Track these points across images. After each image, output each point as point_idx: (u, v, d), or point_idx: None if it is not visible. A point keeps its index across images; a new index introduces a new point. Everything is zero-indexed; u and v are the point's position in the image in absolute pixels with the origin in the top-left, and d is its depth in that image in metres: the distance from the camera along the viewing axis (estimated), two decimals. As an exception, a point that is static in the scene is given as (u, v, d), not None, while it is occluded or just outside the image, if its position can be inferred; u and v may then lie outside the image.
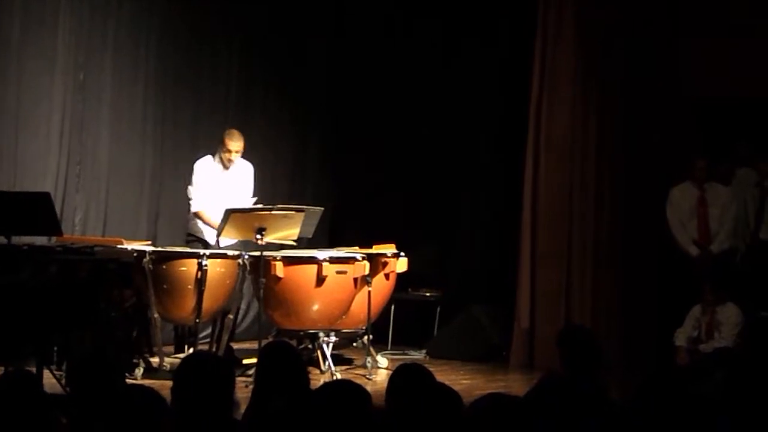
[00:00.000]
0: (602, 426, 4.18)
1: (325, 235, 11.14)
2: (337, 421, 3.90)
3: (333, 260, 9.12)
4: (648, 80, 10.34)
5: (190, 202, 9.41)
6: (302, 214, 8.96)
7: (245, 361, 8.83)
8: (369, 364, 9.29)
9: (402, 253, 9.66)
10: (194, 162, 9.57)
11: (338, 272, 9.10)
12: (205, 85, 11.18)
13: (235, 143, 9.35)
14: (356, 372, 9.42)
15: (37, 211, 8.07)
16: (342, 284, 9.14)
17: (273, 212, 8.83)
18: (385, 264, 9.55)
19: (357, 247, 9.67)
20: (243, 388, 7.00)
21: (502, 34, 11.35)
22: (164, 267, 8.76)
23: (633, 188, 10.32)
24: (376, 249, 9.65)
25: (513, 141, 10.89)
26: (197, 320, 8.87)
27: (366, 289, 9.30)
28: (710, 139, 10.47)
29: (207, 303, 8.76)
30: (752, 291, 9.75)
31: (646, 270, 10.27)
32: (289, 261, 9.07)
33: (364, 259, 9.30)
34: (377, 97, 11.91)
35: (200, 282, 8.70)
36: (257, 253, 8.83)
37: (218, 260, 8.85)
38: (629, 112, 10.36)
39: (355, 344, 10.25)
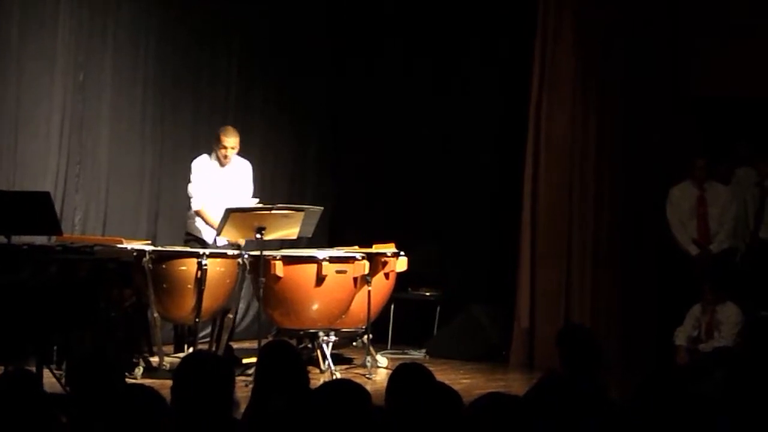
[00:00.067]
0: (602, 425, 4.18)
1: (325, 234, 11.15)
2: (337, 421, 3.90)
3: (333, 260, 9.13)
4: (648, 80, 10.34)
5: (191, 200, 9.41)
6: (302, 213, 8.96)
7: (245, 361, 8.83)
8: (369, 364, 9.29)
9: (402, 253, 9.66)
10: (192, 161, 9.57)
11: (338, 272, 9.10)
12: (205, 86, 11.18)
13: (230, 139, 9.32)
14: (356, 371, 9.42)
15: (37, 210, 8.07)
16: (342, 284, 9.14)
17: (273, 212, 8.83)
18: (385, 263, 9.55)
19: (357, 247, 9.67)
20: (243, 388, 7.00)
21: (502, 34, 11.35)
22: (164, 266, 8.76)
23: (633, 188, 10.32)
24: (375, 248, 9.65)
25: (513, 141, 10.88)
26: (197, 320, 8.88)
27: (366, 288, 9.30)
28: (710, 138, 10.47)
29: (207, 302, 8.76)
30: (752, 290, 9.75)
31: (645, 270, 10.27)
32: (288, 260, 9.07)
33: (363, 258, 9.30)
34: (377, 97, 11.91)
35: (200, 281, 8.71)
36: (257, 253, 8.82)
37: (218, 260, 8.85)
38: (629, 112, 10.36)
39: (354, 344, 10.26)
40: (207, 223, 9.32)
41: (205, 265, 8.71)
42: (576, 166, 10.38)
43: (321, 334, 9.13)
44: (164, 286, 8.76)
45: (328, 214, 10.49)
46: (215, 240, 9.18)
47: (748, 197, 10.26)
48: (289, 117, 11.94)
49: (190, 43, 11.00)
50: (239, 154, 9.51)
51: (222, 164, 9.38)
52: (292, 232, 9.01)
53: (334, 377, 8.68)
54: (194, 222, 9.44)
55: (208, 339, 9.49)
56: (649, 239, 10.29)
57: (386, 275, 9.58)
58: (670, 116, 10.39)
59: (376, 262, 9.47)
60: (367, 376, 9.14)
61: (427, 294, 11.32)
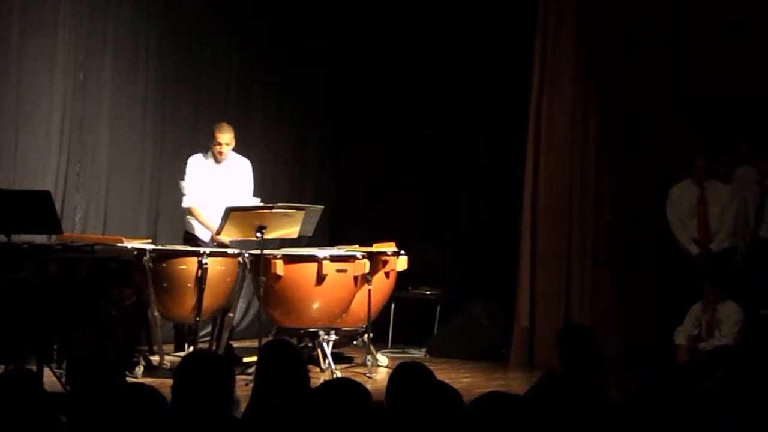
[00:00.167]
0: (602, 425, 4.18)
1: (326, 233, 11.15)
2: (337, 420, 3.90)
3: (333, 259, 9.13)
4: (648, 80, 10.34)
5: (183, 197, 9.40)
6: (302, 212, 8.96)
7: (245, 360, 8.84)
8: (369, 363, 9.29)
9: (402, 252, 9.66)
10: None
11: (338, 270, 9.10)
12: (205, 85, 11.18)
13: (225, 135, 9.28)
14: (356, 370, 9.43)
15: (38, 209, 8.08)
16: (342, 283, 9.14)
17: (273, 210, 8.82)
18: (386, 262, 9.56)
19: (357, 246, 9.67)
20: (243, 387, 7.01)
21: (502, 34, 11.34)
22: (164, 265, 8.77)
23: (633, 187, 10.32)
24: (376, 247, 9.65)
25: (513, 141, 10.88)
26: (197, 318, 8.88)
27: (366, 287, 9.31)
28: (710, 138, 10.47)
29: (207, 301, 8.76)
30: (752, 289, 9.75)
31: (646, 269, 10.27)
32: (289, 259, 9.07)
33: (364, 257, 9.30)
34: (377, 96, 11.91)
35: (200, 280, 8.71)
36: (257, 252, 8.82)
37: (218, 258, 8.86)
38: (629, 112, 10.36)
39: (355, 342, 10.27)
40: (198, 221, 9.32)
41: (206, 264, 8.71)
42: (576, 166, 10.38)
43: (321, 333, 9.13)
44: (165, 285, 8.77)
45: (328, 213, 10.49)
46: (212, 238, 9.17)
47: (749, 196, 10.26)
48: (290, 116, 11.94)
49: (190, 42, 11.01)
50: (238, 152, 9.51)
51: (218, 161, 9.35)
52: (292, 231, 9.01)
53: (335, 376, 8.69)
54: (191, 220, 9.43)
55: (208, 338, 9.48)
56: (650, 239, 10.29)
57: (387, 274, 9.58)
58: (670, 116, 10.39)
59: (376, 261, 9.47)
60: (367, 375, 9.15)
61: (428, 293, 11.32)
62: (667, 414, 4.04)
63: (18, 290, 7.64)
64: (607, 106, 10.38)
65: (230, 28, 11.37)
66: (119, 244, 8.86)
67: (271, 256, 9.01)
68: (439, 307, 11.19)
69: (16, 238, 7.88)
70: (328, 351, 9.08)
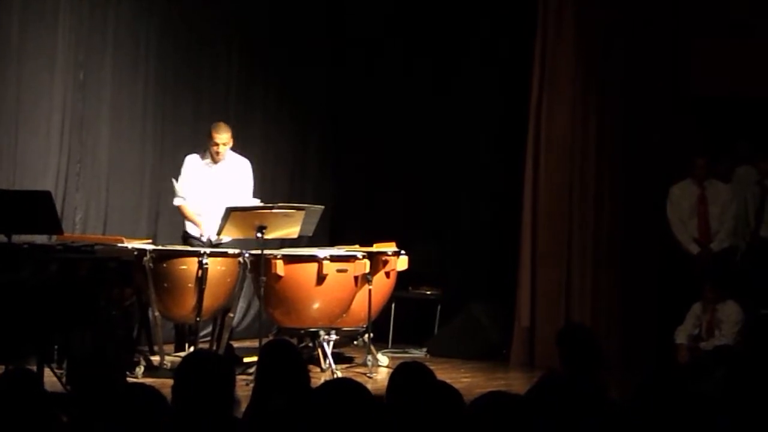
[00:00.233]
0: (602, 425, 4.18)
1: (326, 233, 11.15)
2: (338, 420, 3.91)
3: (334, 258, 9.13)
4: (648, 80, 10.34)
5: (174, 196, 9.42)
6: (303, 212, 8.95)
7: (246, 360, 8.84)
8: (369, 363, 9.30)
9: (402, 252, 9.66)
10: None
11: (339, 270, 9.10)
12: (205, 84, 11.18)
13: (222, 135, 9.25)
14: (357, 370, 9.43)
15: (38, 209, 8.08)
16: (342, 282, 9.14)
17: (273, 210, 8.82)
18: (386, 262, 9.56)
19: (357, 246, 9.67)
20: (243, 387, 7.02)
21: (502, 34, 11.35)
22: (165, 265, 8.77)
23: (633, 187, 10.32)
24: (376, 247, 9.65)
25: (513, 141, 10.88)
26: (198, 318, 8.88)
27: (366, 287, 9.31)
28: (710, 137, 10.47)
29: (207, 301, 8.77)
30: (752, 289, 9.75)
31: (646, 269, 10.27)
32: (289, 259, 9.08)
33: (364, 257, 9.30)
34: (377, 96, 11.91)
35: (201, 280, 8.71)
36: (258, 252, 8.83)
37: (219, 259, 8.86)
38: (629, 112, 10.36)
39: (355, 342, 10.28)
40: (187, 219, 9.32)
41: (206, 264, 8.71)
42: (576, 166, 10.38)
43: (322, 333, 9.14)
44: (165, 285, 8.77)
45: (328, 213, 10.48)
46: (209, 238, 9.18)
47: (749, 196, 10.27)
48: (290, 116, 11.94)
49: (190, 41, 11.01)
50: (238, 152, 9.50)
51: (215, 161, 9.33)
52: (293, 231, 9.01)
53: (335, 376, 8.69)
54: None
55: (209, 338, 9.49)
56: (650, 238, 10.29)
57: (387, 274, 9.58)
58: (670, 116, 10.39)
59: (376, 261, 9.47)
60: (368, 375, 9.15)
61: (428, 293, 11.33)
62: (667, 414, 4.05)
63: (18, 290, 7.64)
64: (607, 106, 10.38)
65: (230, 28, 11.37)
66: (119, 245, 8.86)
67: (271, 256, 9.01)
68: (439, 307, 11.20)
69: (17, 238, 7.88)
70: (329, 351, 9.08)
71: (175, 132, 10.84)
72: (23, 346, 7.82)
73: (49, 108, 9.83)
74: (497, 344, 10.61)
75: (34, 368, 7.13)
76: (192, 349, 8.98)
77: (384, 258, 9.55)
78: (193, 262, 8.75)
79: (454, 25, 11.68)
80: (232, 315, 9.20)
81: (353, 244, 9.77)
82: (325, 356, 9.07)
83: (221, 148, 9.24)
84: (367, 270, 9.28)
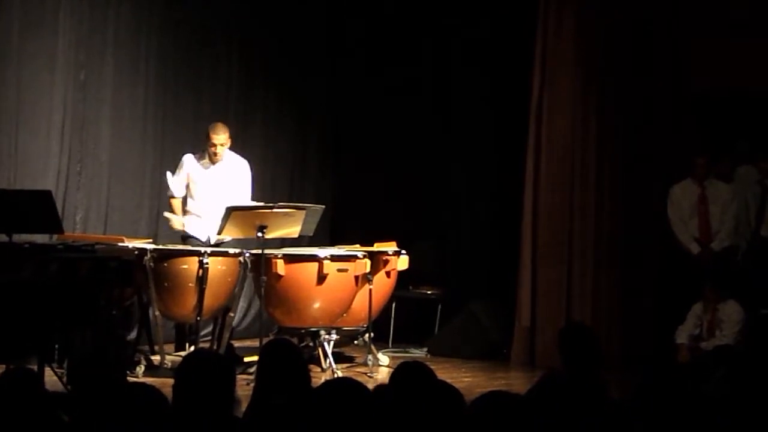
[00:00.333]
0: (602, 425, 4.18)
1: (327, 233, 11.15)
2: (338, 419, 3.91)
3: (334, 258, 9.13)
4: (648, 79, 10.34)
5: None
6: (303, 212, 8.95)
7: (246, 359, 8.84)
8: (370, 362, 9.30)
9: (403, 251, 9.66)
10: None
11: (339, 270, 9.11)
12: (205, 85, 11.19)
13: (219, 136, 9.24)
14: (357, 370, 9.43)
15: (39, 209, 8.09)
16: (343, 282, 9.14)
17: (274, 210, 8.82)
18: (386, 262, 9.56)
19: (358, 245, 9.68)
20: (244, 386, 7.02)
21: (503, 33, 11.34)
22: (165, 265, 8.77)
23: (633, 187, 10.32)
24: (377, 247, 9.65)
25: (513, 141, 10.88)
26: (198, 318, 8.87)
27: (367, 287, 9.31)
28: (710, 137, 10.48)
29: (208, 301, 8.77)
30: (753, 289, 9.76)
31: (646, 269, 10.27)
32: (290, 259, 9.08)
33: (365, 257, 9.30)
34: (377, 96, 11.91)
35: (201, 280, 8.71)
36: (258, 251, 8.83)
37: (219, 258, 8.86)
38: (629, 111, 10.36)
39: (356, 342, 10.28)
40: (172, 211, 9.34)
41: (207, 263, 8.72)
42: (576, 166, 10.38)
43: (322, 332, 9.14)
44: (165, 284, 8.77)
45: (329, 213, 10.49)
46: (208, 238, 9.19)
47: (749, 195, 10.27)
48: (290, 115, 11.94)
49: (190, 42, 11.01)
50: (238, 152, 9.50)
51: (213, 161, 9.33)
52: (293, 230, 9.01)
53: (336, 376, 8.69)
54: (187, 220, 9.42)
55: (209, 337, 9.49)
56: (650, 238, 10.29)
57: (387, 274, 9.58)
58: (670, 115, 10.40)
59: (377, 260, 9.47)
60: (368, 374, 9.15)
61: (429, 292, 11.33)
62: (667, 414, 4.05)
63: (19, 290, 7.64)
64: (607, 106, 10.38)
65: (230, 29, 11.38)
66: (120, 244, 8.87)
67: (272, 256, 9.02)
68: (440, 307, 11.20)
69: (17, 237, 7.88)
70: (329, 350, 9.09)
71: (175, 132, 10.84)
72: (24, 345, 7.82)
73: (50, 108, 9.83)
74: (498, 344, 10.61)
75: (35, 368, 7.13)
76: (192, 348, 8.98)
77: (384, 257, 9.55)
78: (194, 261, 8.75)
79: (454, 24, 11.68)
80: (232, 314, 9.21)
81: (354, 243, 9.77)
82: (326, 356, 9.07)
83: (219, 149, 9.23)
84: (368, 269, 9.29)
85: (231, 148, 9.38)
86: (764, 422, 4.43)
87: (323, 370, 9.03)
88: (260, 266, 8.78)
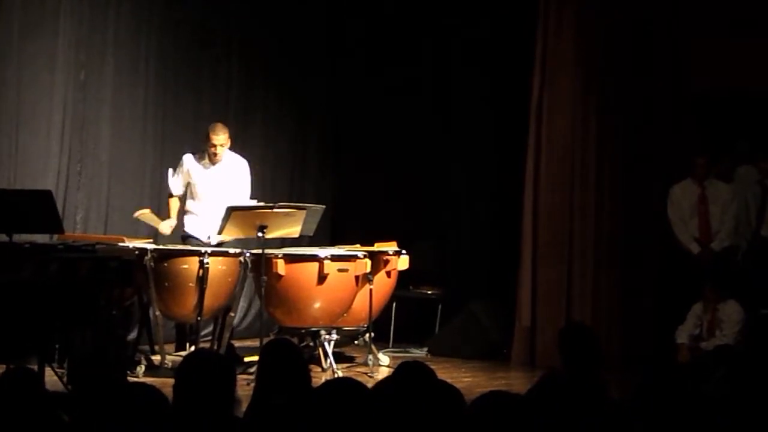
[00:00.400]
0: (602, 425, 4.19)
1: (327, 233, 11.15)
2: (339, 419, 3.91)
3: (334, 258, 9.13)
4: (648, 79, 10.34)
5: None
6: (304, 212, 8.95)
7: (247, 359, 8.84)
8: (370, 362, 9.30)
9: (403, 251, 9.66)
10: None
11: (340, 270, 9.11)
12: (206, 85, 11.19)
13: (219, 136, 9.23)
14: (358, 370, 9.43)
15: (39, 209, 8.09)
16: (343, 282, 9.15)
17: (275, 210, 8.82)
18: (387, 262, 9.56)
19: (358, 245, 9.68)
20: (244, 386, 7.01)
21: (503, 33, 11.35)
22: (166, 265, 8.77)
23: (633, 187, 10.33)
24: (377, 247, 9.66)
25: (513, 141, 10.89)
26: (199, 318, 8.88)
27: (367, 286, 9.31)
28: (710, 137, 10.48)
29: (208, 301, 8.77)
30: (753, 289, 9.76)
31: (646, 268, 10.27)
32: (290, 259, 9.08)
33: (365, 256, 9.31)
34: (377, 96, 11.91)
35: (202, 280, 8.71)
36: (259, 251, 8.83)
37: (220, 258, 8.86)
38: (629, 111, 10.36)
39: (356, 342, 10.28)
40: (168, 210, 9.36)
41: (207, 263, 8.72)
42: (576, 166, 10.38)
43: (323, 332, 9.14)
44: (166, 284, 8.77)
45: (329, 213, 10.49)
46: (209, 239, 9.20)
47: (749, 195, 10.27)
48: (290, 115, 11.94)
49: (190, 42, 11.01)
50: (238, 152, 9.50)
51: (212, 162, 9.33)
52: (294, 230, 9.01)
53: (336, 376, 8.69)
54: (186, 220, 9.43)
55: (209, 337, 9.49)
56: (650, 238, 10.29)
57: (388, 274, 9.58)
58: (670, 115, 10.40)
59: (377, 260, 9.48)
60: (368, 374, 9.15)
61: (429, 292, 11.33)
62: (667, 414, 4.05)
63: (19, 290, 7.64)
64: (607, 105, 10.38)
65: (230, 29, 11.38)
66: (120, 244, 8.87)
67: (272, 256, 9.02)
68: (440, 307, 11.20)
69: (18, 237, 7.89)
70: (330, 350, 9.09)
71: (175, 132, 10.85)
72: (24, 345, 7.83)
73: (50, 108, 9.83)
74: (498, 344, 10.61)
75: (35, 368, 7.13)
76: (193, 348, 8.98)
77: (385, 257, 9.55)
78: (194, 261, 8.76)
79: (454, 24, 11.68)
80: (233, 314, 9.21)
81: (354, 243, 9.77)
82: (326, 356, 9.07)
83: (219, 150, 9.23)
84: (368, 269, 9.29)
85: (231, 148, 9.38)
86: (764, 422, 4.43)
87: (324, 370, 9.03)
88: (261, 266, 8.78)
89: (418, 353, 10.56)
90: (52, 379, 7.35)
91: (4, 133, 9.54)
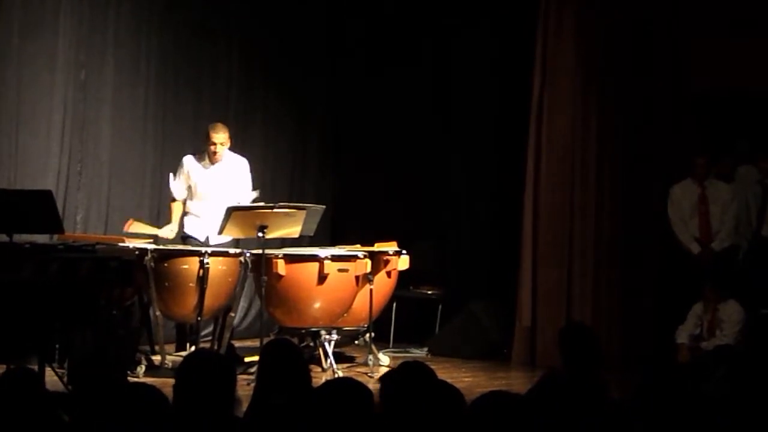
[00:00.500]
0: (602, 425, 4.19)
1: (327, 233, 11.15)
2: (339, 419, 3.91)
3: (335, 258, 9.14)
4: (648, 79, 10.35)
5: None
6: (304, 212, 8.95)
7: (247, 359, 8.84)
8: (371, 362, 9.30)
9: (404, 251, 9.67)
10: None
11: (340, 270, 9.11)
12: (206, 85, 11.19)
13: (219, 135, 9.23)
14: (358, 370, 9.43)
15: (39, 209, 8.09)
16: (344, 282, 9.15)
17: (275, 210, 8.82)
18: (387, 262, 9.56)
19: (359, 245, 9.68)
20: (245, 386, 7.01)
21: (503, 33, 11.35)
22: (166, 265, 8.77)
23: (634, 187, 10.33)
24: (377, 247, 9.65)
25: (513, 141, 10.89)
26: (199, 318, 8.88)
27: (368, 287, 9.31)
28: (710, 137, 10.48)
29: (209, 301, 8.77)
30: (754, 288, 9.76)
31: (646, 268, 10.27)
32: (290, 259, 9.09)
33: (365, 257, 9.31)
34: (377, 96, 11.91)
35: (202, 280, 8.71)
36: (259, 251, 8.83)
37: (220, 258, 8.86)
38: (629, 111, 10.36)
39: (356, 342, 10.29)
40: (170, 215, 9.35)
41: (207, 263, 8.72)
42: (576, 166, 10.38)
43: (323, 332, 9.15)
44: (166, 284, 8.77)
45: (329, 213, 10.49)
46: (207, 239, 9.20)
47: (750, 195, 10.27)
48: (290, 115, 11.94)
49: (190, 41, 11.01)
50: (238, 151, 9.51)
51: (212, 161, 9.33)
52: (294, 230, 9.01)
53: (336, 376, 8.70)
54: (186, 220, 9.43)
55: (210, 337, 9.49)
56: (650, 238, 10.29)
57: (388, 274, 9.59)
58: (670, 115, 10.40)
59: (378, 260, 9.48)
60: (369, 374, 9.15)
61: (429, 292, 11.33)
62: (667, 414, 4.05)
63: (19, 290, 7.64)
64: (607, 105, 10.38)
65: (230, 29, 11.38)
66: (121, 244, 8.87)
67: (272, 256, 9.02)
68: (440, 307, 11.20)
69: (18, 237, 7.89)
70: (330, 350, 9.09)
71: (175, 131, 10.85)
72: (24, 345, 7.83)
73: (50, 108, 9.83)
74: (498, 344, 10.62)
75: (35, 368, 7.12)
76: (193, 348, 8.98)
77: (385, 257, 9.55)
78: (195, 261, 8.76)
79: (453, 24, 11.68)
80: (233, 314, 9.21)
81: (354, 243, 9.77)
82: (326, 356, 9.08)
83: (219, 148, 9.24)
84: (369, 269, 9.29)
85: (231, 148, 9.38)
86: (764, 422, 4.43)
87: (324, 370, 9.03)
88: (261, 266, 8.78)
89: (419, 353, 10.56)
90: (52, 379, 7.35)
91: (4, 133, 9.54)
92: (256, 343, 9.33)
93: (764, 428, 4.44)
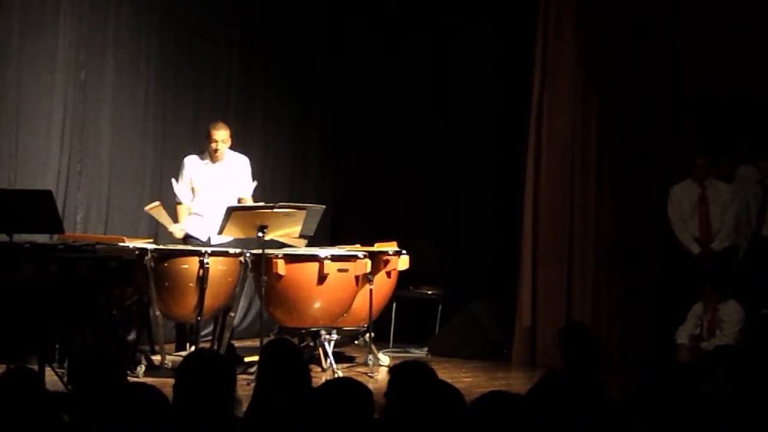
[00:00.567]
0: (602, 425, 4.19)
1: (327, 233, 11.15)
2: (339, 419, 3.91)
3: (335, 258, 9.14)
4: (648, 80, 10.34)
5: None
6: (304, 211, 8.95)
7: (247, 359, 8.84)
8: (371, 362, 9.30)
9: (403, 251, 9.67)
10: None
11: (340, 270, 9.11)
12: (206, 84, 11.19)
13: (220, 132, 9.24)
14: (358, 370, 9.43)
15: (39, 209, 8.09)
16: (344, 282, 9.15)
17: (275, 210, 8.82)
18: (387, 262, 9.56)
19: (359, 245, 9.68)
20: (245, 386, 7.02)
21: (503, 33, 11.35)
22: (166, 265, 8.77)
23: (634, 187, 10.33)
24: (377, 247, 9.66)
25: (513, 141, 10.89)
26: (199, 318, 8.88)
27: (367, 287, 9.31)
28: (710, 137, 10.48)
29: (209, 301, 8.77)
30: (754, 288, 9.76)
31: (646, 268, 10.27)
32: (290, 259, 9.08)
33: (365, 257, 9.31)
34: (377, 96, 11.91)
35: (202, 280, 8.71)
36: (259, 251, 8.83)
37: (220, 258, 8.86)
38: (629, 111, 10.36)
39: (356, 342, 10.28)
40: (177, 217, 9.36)
41: (207, 263, 8.72)
42: (576, 166, 10.38)
43: (323, 332, 9.14)
44: (166, 284, 8.77)
45: (329, 213, 10.49)
46: (209, 239, 9.20)
47: (750, 195, 10.27)
48: (290, 115, 11.95)
49: (191, 41, 11.01)
50: (238, 151, 9.51)
51: (214, 160, 9.33)
52: (294, 230, 9.01)
53: (336, 376, 8.70)
54: (186, 220, 9.44)
55: (210, 337, 9.49)
56: (650, 238, 10.29)
57: (388, 274, 9.59)
58: (670, 115, 10.40)
59: (377, 260, 9.48)
60: (369, 374, 9.15)
61: (429, 292, 11.33)
62: (667, 414, 4.05)
63: (19, 290, 7.64)
64: (607, 105, 10.38)
65: (230, 28, 11.38)
66: (121, 244, 8.87)
67: (272, 256, 9.02)
68: (440, 306, 11.20)
69: (18, 237, 7.89)
70: (330, 350, 9.09)
71: (175, 131, 10.85)
72: (24, 345, 7.83)
73: (50, 108, 9.84)
74: (498, 344, 10.61)
75: (35, 367, 7.12)
76: (193, 348, 8.98)
77: (385, 257, 9.56)
78: (195, 261, 8.76)
79: (453, 24, 11.68)
80: (233, 314, 9.21)
81: (354, 243, 9.77)
82: (326, 356, 9.07)
83: (220, 146, 9.25)
84: (368, 269, 9.29)
85: (231, 148, 9.39)
86: (764, 422, 4.43)
87: (324, 370, 9.03)
88: (261, 266, 8.78)
89: (419, 353, 10.56)
90: (52, 379, 7.35)
91: (4, 133, 9.54)
92: (256, 343, 9.33)
93: (764, 428, 4.44)
